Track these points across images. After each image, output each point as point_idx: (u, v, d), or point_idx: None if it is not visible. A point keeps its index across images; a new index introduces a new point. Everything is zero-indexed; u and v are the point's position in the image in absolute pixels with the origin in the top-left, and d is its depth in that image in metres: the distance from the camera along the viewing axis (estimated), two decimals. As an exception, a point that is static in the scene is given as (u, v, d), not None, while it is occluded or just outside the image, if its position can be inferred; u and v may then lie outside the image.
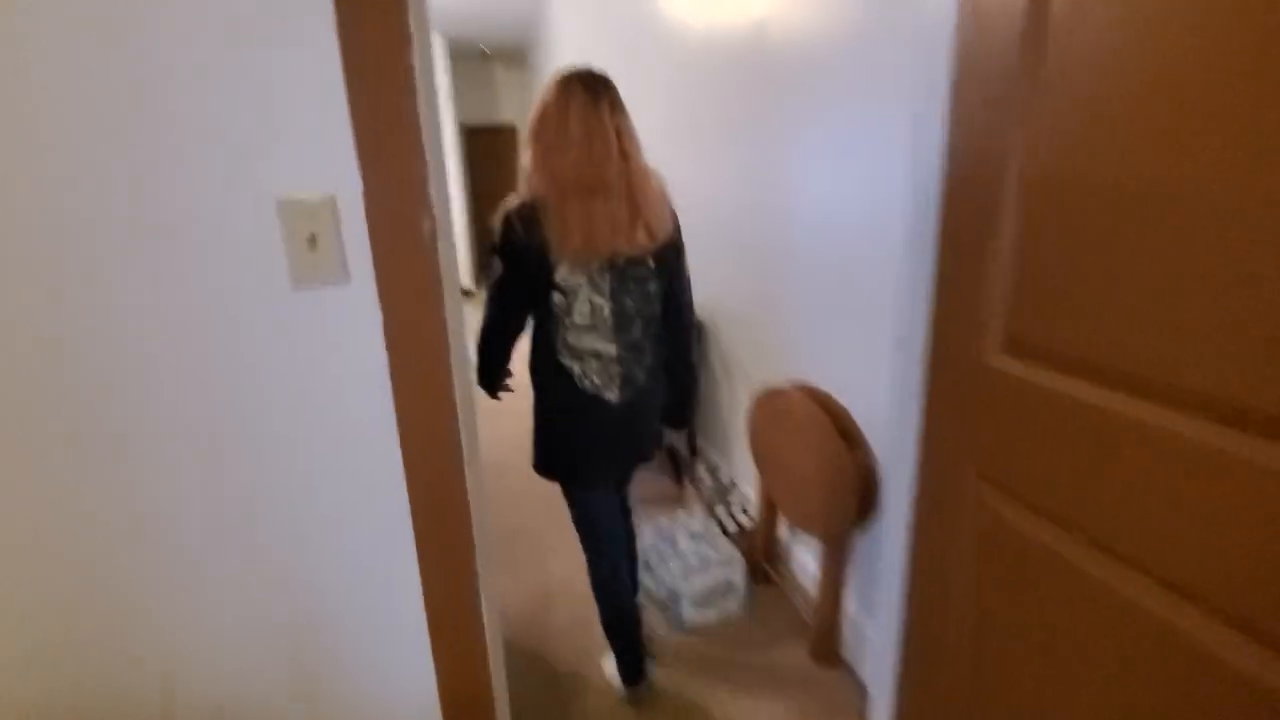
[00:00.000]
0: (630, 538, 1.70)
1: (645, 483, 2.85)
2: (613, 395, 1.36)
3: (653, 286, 1.38)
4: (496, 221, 1.29)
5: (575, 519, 1.53)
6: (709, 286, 2.66)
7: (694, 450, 2.83)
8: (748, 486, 2.42)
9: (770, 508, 2.04)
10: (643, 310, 1.37)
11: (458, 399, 0.98)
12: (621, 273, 1.32)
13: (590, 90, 1.27)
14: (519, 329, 1.39)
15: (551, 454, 1.44)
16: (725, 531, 2.24)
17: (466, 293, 7.46)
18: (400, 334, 0.92)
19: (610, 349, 1.34)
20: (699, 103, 2.62)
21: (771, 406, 1.89)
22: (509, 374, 1.49)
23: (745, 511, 2.26)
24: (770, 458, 1.93)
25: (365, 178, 0.85)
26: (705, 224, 2.65)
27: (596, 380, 1.34)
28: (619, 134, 1.27)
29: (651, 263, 1.37)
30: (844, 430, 1.64)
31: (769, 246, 2.13)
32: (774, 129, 2.02)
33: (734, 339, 2.50)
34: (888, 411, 1.31)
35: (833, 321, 1.79)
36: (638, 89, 3.46)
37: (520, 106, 8.72)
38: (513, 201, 1.30)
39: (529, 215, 1.26)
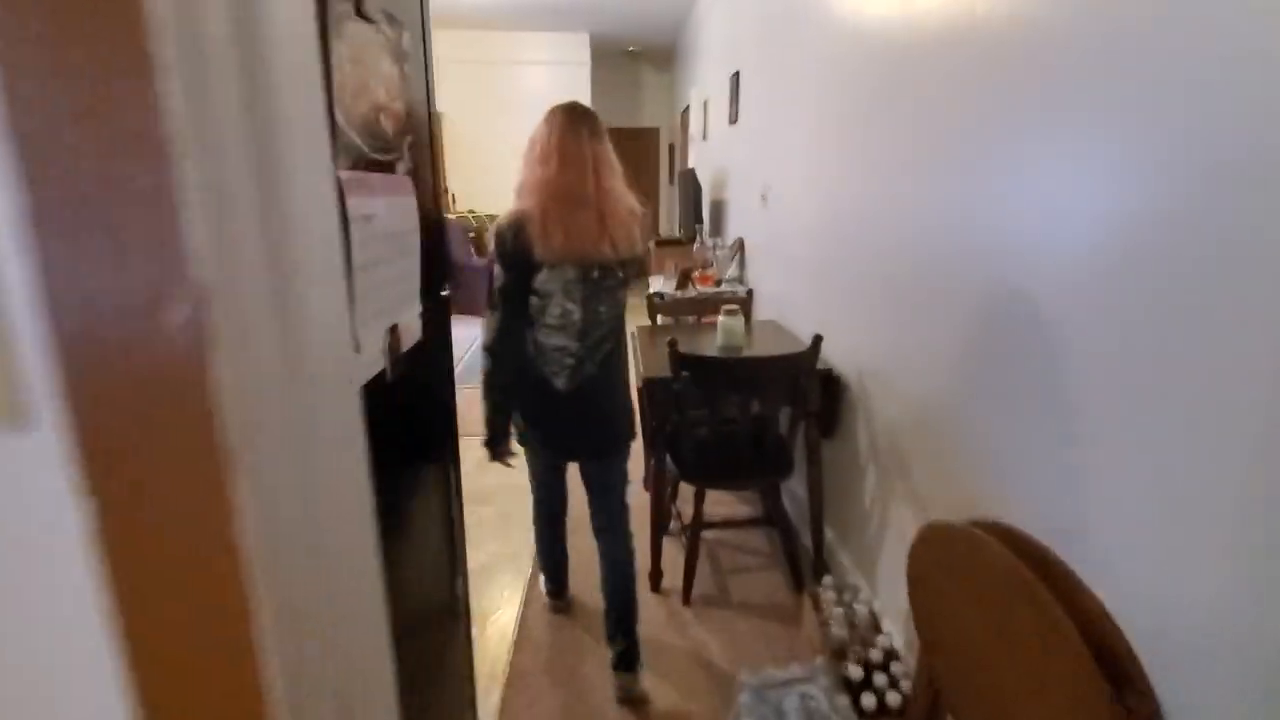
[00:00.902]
0: (618, 527, 1.75)
1: (752, 578, 2.21)
2: (561, 381, 1.56)
3: (621, 295, 1.59)
4: (492, 235, 1.49)
5: (530, 479, 1.85)
6: (859, 333, 1.97)
7: (820, 548, 2.15)
8: (900, 631, 1.71)
9: (933, 697, 1.33)
10: (611, 315, 1.58)
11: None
12: (596, 284, 1.52)
13: (571, 120, 1.49)
14: (524, 331, 1.55)
15: (516, 423, 1.66)
16: (861, 711, 1.55)
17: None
18: (128, 531, 0.40)
19: (572, 346, 1.54)
20: (870, 107, 1.94)
21: (955, 557, 1.20)
22: (511, 433, 1.67)
23: (895, 683, 1.56)
24: (944, 633, 1.23)
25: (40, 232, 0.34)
26: (865, 254, 1.97)
27: (550, 368, 1.55)
28: (594, 158, 1.48)
29: (621, 274, 1.56)
30: (1103, 647, 0.92)
31: (966, 295, 1.43)
32: (988, 139, 1.32)
33: (895, 411, 1.80)
34: (1221, 625, 0.61)
35: (1082, 426, 1.08)
36: (790, 93, 2.91)
37: (666, 109, 8.31)
38: (504, 217, 1.49)
39: (516, 227, 1.46)
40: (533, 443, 1.71)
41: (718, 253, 3.57)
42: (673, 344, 1.87)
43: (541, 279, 1.48)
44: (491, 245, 1.50)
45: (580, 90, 6.81)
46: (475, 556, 2.38)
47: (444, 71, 7.04)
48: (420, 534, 1.12)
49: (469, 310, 1.56)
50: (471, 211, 6.77)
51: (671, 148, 8.09)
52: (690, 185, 4.23)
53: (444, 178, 6.92)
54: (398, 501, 1.02)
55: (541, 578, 2.13)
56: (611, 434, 1.67)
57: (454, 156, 6.89)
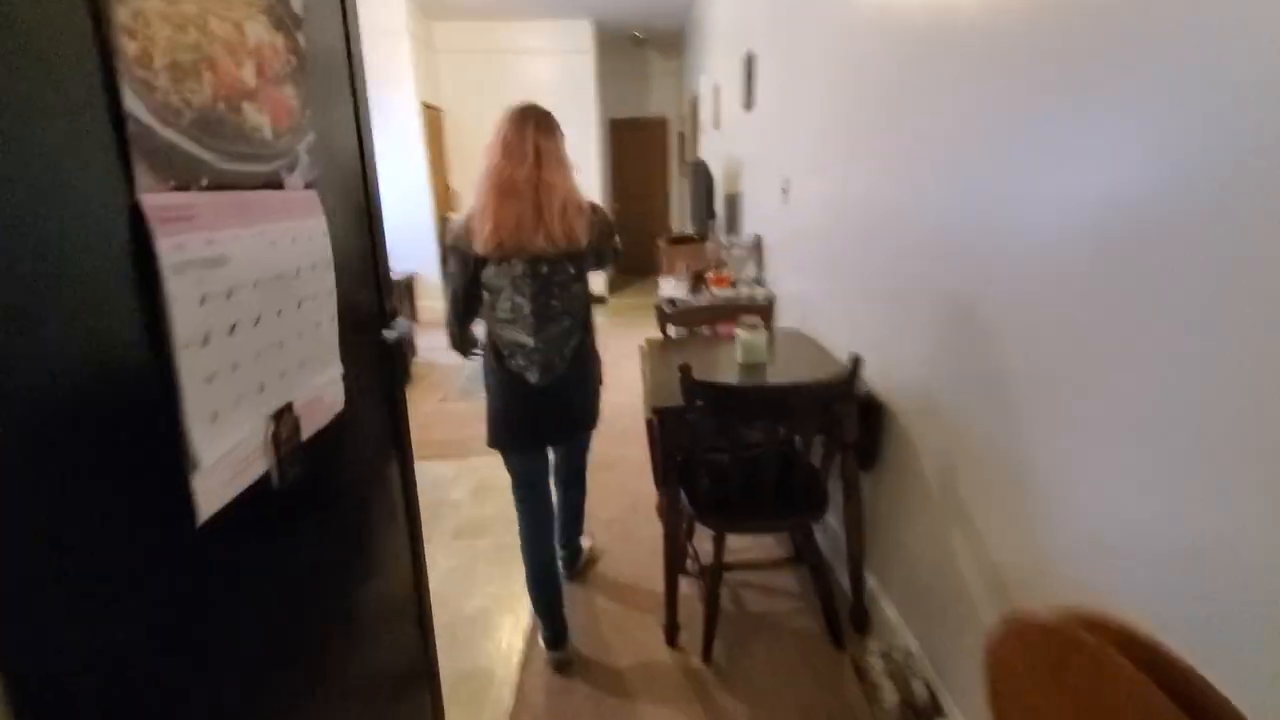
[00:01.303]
0: (576, 493, 2.02)
1: (782, 630, 1.94)
2: (534, 377, 1.62)
3: (576, 288, 1.63)
4: (451, 231, 1.60)
5: (511, 478, 1.81)
6: (901, 347, 1.68)
7: (860, 594, 1.87)
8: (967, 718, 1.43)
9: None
10: (570, 308, 1.62)
11: None
12: (546, 278, 1.57)
13: (521, 116, 1.56)
14: (472, 311, 1.66)
15: (492, 427, 1.71)
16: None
17: (598, 299, 6.88)
18: None
19: (529, 341, 1.59)
20: (911, 78, 1.64)
21: (1060, 670, 0.91)
22: (475, 340, 1.77)
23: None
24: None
25: None
26: (908, 254, 1.68)
27: (521, 363, 1.61)
28: (537, 151, 1.52)
29: (572, 268, 1.60)
30: None
31: (1041, 308, 1.13)
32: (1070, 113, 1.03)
33: (947, 440, 1.51)
34: None
35: (1209, 474, 0.79)
36: (811, 71, 2.60)
37: (674, 97, 7.98)
38: (463, 213, 1.60)
39: (468, 223, 1.56)
40: (508, 439, 1.72)
41: (733, 251, 3.28)
42: (685, 370, 1.59)
43: (489, 274, 1.56)
44: (450, 237, 1.60)
45: (584, 80, 6.52)
46: (469, 602, 2.14)
47: (443, 64, 6.80)
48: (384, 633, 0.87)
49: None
50: (475, 210, 6.54)
51: (681, 138, 7.77)
52: (701, 177, 3.93)
53: (447, 176, 6.68)
54: (347, 608, 0.76)
55: (539, 627, 1.87)
56: (585, 419, 1.83)
57: (456, 153, 6.64)
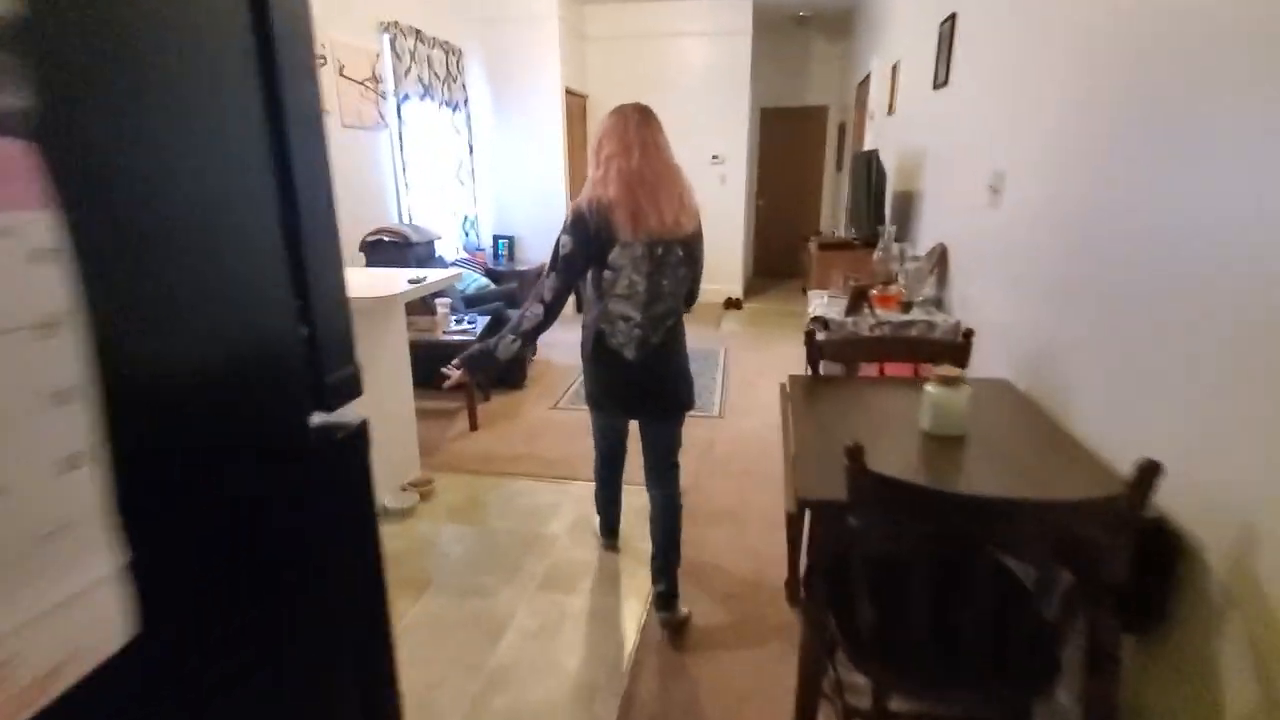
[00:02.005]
0: (671, 480, 1.97)
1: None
2: (630, 353, 1.78)
3: (682, 271, 1.78)
4: (570, 211, 1.71)
5: (593, 435, 2.13)
6: (1215, 437, 1.02)
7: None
8: None
9: None
10: (675, 290, 1.78)
11: None
12: (660, 260, 1.72)
13: (643, 116, 1.73)
14: (567, 295, 1.75)
15: (587, 389, 1.94)
16: None
17: (735, 303, 6.32)
18: None
19: (636, 315, 1.75)
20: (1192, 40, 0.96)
21: None
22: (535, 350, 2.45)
23: None
24: None
25: None
26: (1221, 287, 1.01)
27: (619, 340, 1.78)
28: (655, 145, 1.70)
29: (680, 251, 1.75)
30: None
31: None
32: None
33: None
34: None
35: None
36: (1046, 30, 1.90)
37: (835, 83, 7.20)
38: (584, 200, 1.70)
39: (596, 209, 1.67)
40: (601, 404, 1.93)
41: (906, 264, 2.63)
42: (856, 456, 1.05)
43: (614, 255, 1.69)
44: (569, 220, 1.71)
45: (739, 64, 5.97)
46: (539, 684, 1.74)
47: (591, 51, 6.57)
48: None
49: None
50: (611, 202, 6.24)
51: (841, 128, 6.98)
52: (869, 172, 3.25)
53: (586, 165, 6.46)
54: None
55: (596, 522, 2.37)
56: (672, 399, 1.88)
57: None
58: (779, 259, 7.79)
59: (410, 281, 2.27)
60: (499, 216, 5.85)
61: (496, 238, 5.71)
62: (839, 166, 6.97)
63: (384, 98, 4.25)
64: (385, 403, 2.55)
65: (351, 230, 3.89)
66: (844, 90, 6.91)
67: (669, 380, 1.85)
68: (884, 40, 4.45)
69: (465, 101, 5.20)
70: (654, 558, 1.96)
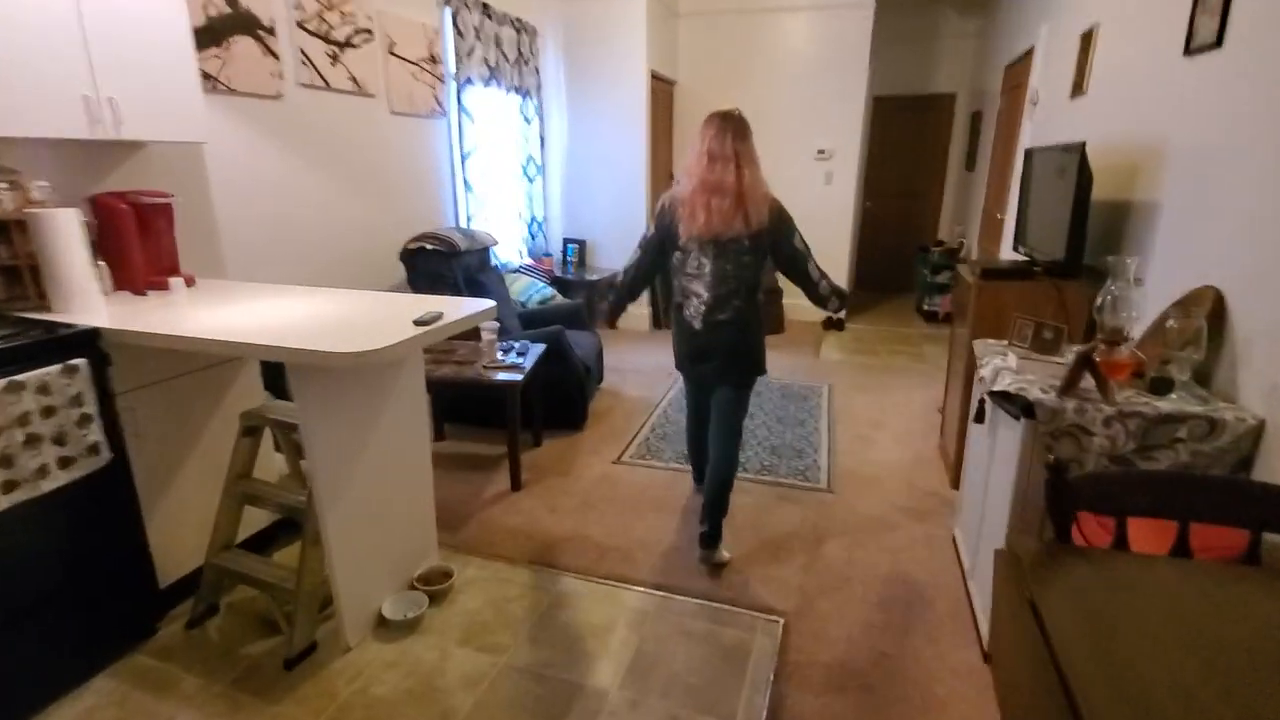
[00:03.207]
0: (725, 437, 2.17)
1: None
2: (697, 324, 2.09)
3: (748, 259, 2.01)
4: (658, 204, 2.12)
5: (685, 397, 2.55)
6: None
7: None
8: None
9: None
10: (740, 275, 2.03)
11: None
12: (724, 246, 2.00)
13: (721, 124, 1.97)
14: (649, 270, 2.19)
15: (675, 353, 2.26)
16: None
17: (836, 323, 5.40)
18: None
19: (704, 293, 2.05)
20: None
21: None
22: (625, 310, 2.36)
23: None
24: None
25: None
26: None
27: (690, 312, 2.10)
28: (736, 154, 1.94)
29: (747, 242, 1.99)
30: None
31: None
32: None
33: None
34: None
35: None
36: None
37: (968, 67, 6.12)
38: (669, 192, 2.10)
39: (670, 203, 2.07)
40: (680, 363, 2.25)
41: (1132, 313, 1.74)
42: None
43: (684, 241, 2.05)
44: (656, 208, 2.13)
45: (855, 45, 5.06)
46: None
47: (682, 30, 5.80)
48: None
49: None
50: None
51: (975, 119, 5.90)
52: (1079, 174, 2.25)
53: (671, 157, 5.70)
54: None
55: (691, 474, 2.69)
56: (733, 367, 2.12)
57: (685, 134, 5.61)
58: (886, 271, 6.78)
59: (418, 323, 1.61)
60: (570, 218, 5.21)
61: (567, 241, 5.07)
62: (969, 165, 5.90)
63: (442, 81, 3.67)
64: (387, 478, 1.91)
65: (394, 234, 3.32)
66: (980, 74, 5.83)
67: (728, 353, 2.10)
68: (1061, 2, 3.44)
69: (538, 88, 4.57)
70: (704, 504, 2.18)
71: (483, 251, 3.59)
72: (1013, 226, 3.26)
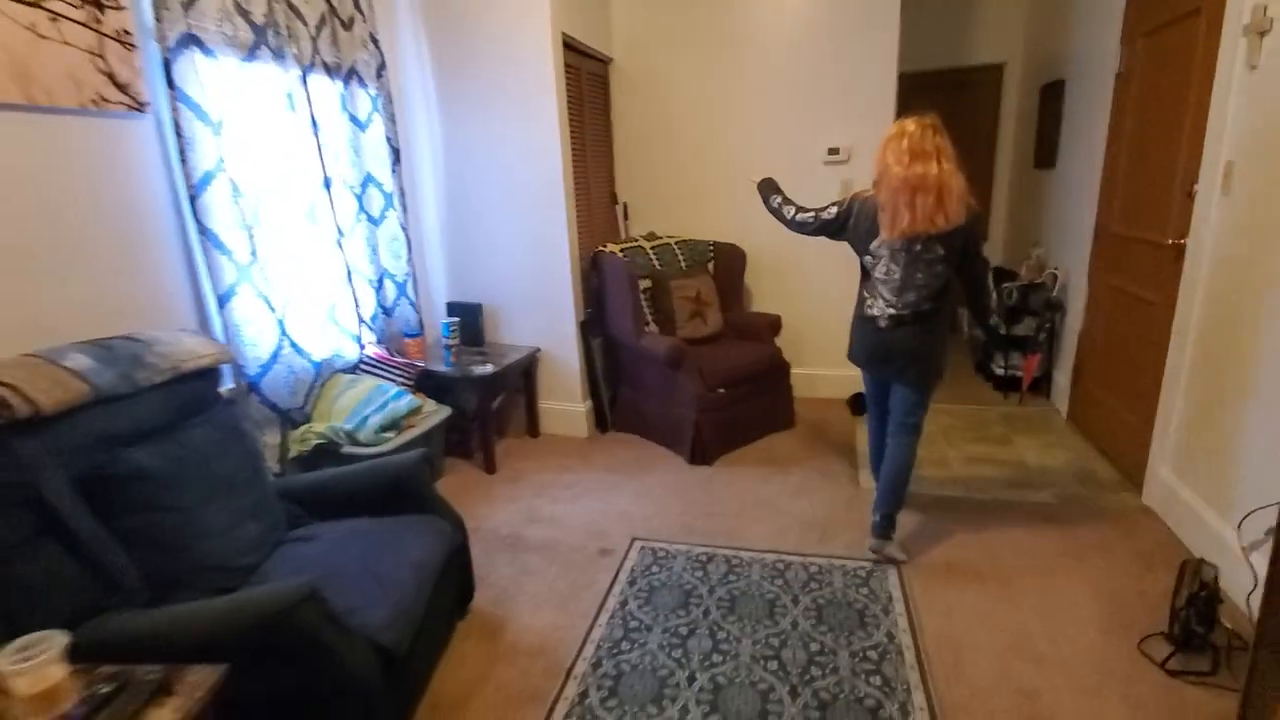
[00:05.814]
0: (903, 432, 2.25)
1: None
2: (882, 322, 2.17)
3: (939, 267, 2.07)
4: (846, 195, 2.26)
5: (865, 392, 2.52)
6: None
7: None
8: None
9: None
10: (929, 283, 2.09)
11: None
12: (916, 255, 2.06)
13: (918, 125, 2.00)
14: (815, 231, 2.33)
15: (850, 346, 2.36)
16: None
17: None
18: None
19: (890, 297, 2.13)
20: None
21: None
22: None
23: None
24: None
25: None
26: None
27: (875, 311, 2.18)
28: (937, 150, 1.96)
29: (940, 249, 2.04)
30: None
31: None
32: None
33: None
34: None
35: None
36: None
37: (1013, 34, 4.45)
38: (859, 197, 2.19)
39: (862, 208, 2.16)
40: (857, 358, 2.33)
41: None
42: None
43: (876, 244, 2.12)
44: (845, 200, 2.24)
45: (885, 15, 3.34)
46: None
47: (618, 7, 3.37)
48: None
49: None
50: (651, 238, 3.64)
51: (1050, 94, 4.18)
52: None
53: (612, 172, 3.94)
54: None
55: (869, 471, 2.69)
56: (911, 368, 2.18)
57: (634, 132, 3.86)
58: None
59: None
60: (456, 272, 3.41)
61: (451, 308, 3.27)
62: (1041, 160, 4.15)
63: (128, 46, 1.89)
64: None
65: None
66: (1052, 31, 4.11)
67: (909, 354, 2.17)
68: None
69: (378, 69, 2.79)
70: (877, 494, 2.27)
71: (172, 387, 1.72)
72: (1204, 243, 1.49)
